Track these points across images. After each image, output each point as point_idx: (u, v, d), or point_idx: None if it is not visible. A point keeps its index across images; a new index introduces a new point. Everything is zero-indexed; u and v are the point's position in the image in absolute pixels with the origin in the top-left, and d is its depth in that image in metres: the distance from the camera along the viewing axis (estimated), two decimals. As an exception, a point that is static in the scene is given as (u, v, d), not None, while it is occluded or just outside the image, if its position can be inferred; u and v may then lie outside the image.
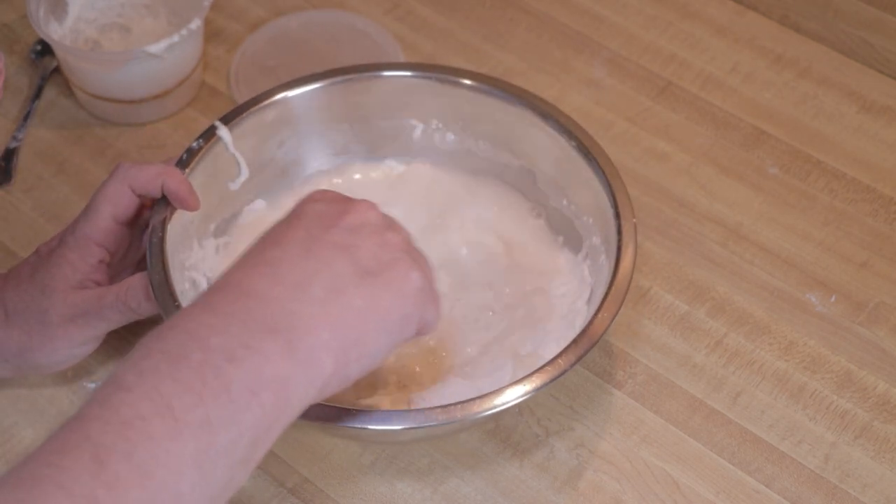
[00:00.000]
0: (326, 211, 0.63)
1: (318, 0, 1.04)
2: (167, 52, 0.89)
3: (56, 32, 0.93)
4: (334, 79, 0.84)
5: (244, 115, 0.81)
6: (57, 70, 0.97)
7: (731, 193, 0.90)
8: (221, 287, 0.58)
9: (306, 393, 0.56)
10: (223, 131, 0.80)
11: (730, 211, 0.89)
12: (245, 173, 0.83)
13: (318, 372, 0.57)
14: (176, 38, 0.89)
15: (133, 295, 0.72)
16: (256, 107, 0.82)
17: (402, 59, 0.97)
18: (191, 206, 0.76)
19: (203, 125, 0.94)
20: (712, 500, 0.75)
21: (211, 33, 1.00)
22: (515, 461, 0.76)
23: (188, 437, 0.51)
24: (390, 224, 0.64)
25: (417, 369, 0.78)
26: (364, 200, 0.64)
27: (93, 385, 0.79)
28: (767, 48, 1.00)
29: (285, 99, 0.83)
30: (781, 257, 0.87)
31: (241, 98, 0.95)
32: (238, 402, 0.53)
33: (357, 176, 0.88)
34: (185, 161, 0.78)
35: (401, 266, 0.61)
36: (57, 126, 0.95)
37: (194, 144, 0.79)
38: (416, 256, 0.63)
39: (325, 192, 0.65)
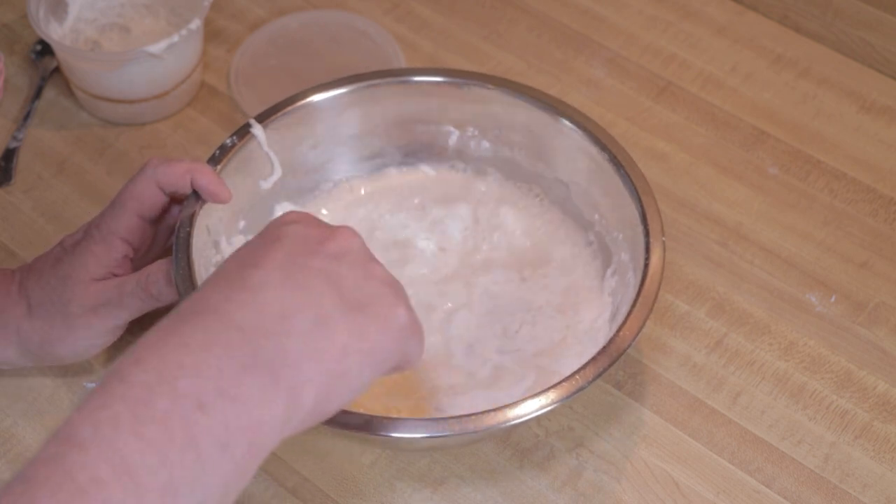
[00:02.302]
0: (307, 234, 0.59)
1: (318, 0, 1.04)
2: (167, 52, 0.89)
3: (56, 32, 0.93)
4: (369, 82, 0.84)
5: (278, 114, 0.81)
6: (57, 70, 0.97)
7: (731, 193, 0.90)
8: (196, 311, 0.54)
9: (280, 432, 0.53)
10: (257, 129, 0.80)
11: (730, 211, 0.89)
12: (278, 172, 0.83)
13: (297, 408, 0.54)
14: (176, 38, 0.89)
15: (153, 281, 0.72)
16: (291, 107, 0.82)
17: (401, 59, 0.97)
18: (222, 198, 0.75)
19: (203, 125, 0.95)
20: (712, 500, 0.75)
21: (211, 33, 1.00)
22: (515, 461, 0.76)
23: (151, 502, 0.47)
24: (371, 255, 0.61)
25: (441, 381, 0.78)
26: (346, 227, 0.61)
27: (93, 386, 0.79)
28: (767, 48, 1.00)
29: (320, 101, 0.83)
30: (781, 257, 0.87)
31: (241, 98, 0.95)
32: (207, 460, 0.49)
33: (389, 180, 0.87)
34: (218, 157, 0.78)
35: (386, 300, 0.59)
36: (57, 126, 0.95)
37: (227, 141, 0.79)
38: (399, 290, 0.61)
39: (301, 213, 0.62)
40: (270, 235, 0.60)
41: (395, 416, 0.70)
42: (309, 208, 0.85)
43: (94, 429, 0.48)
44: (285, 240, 0.59)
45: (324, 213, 0.86)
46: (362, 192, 0.87)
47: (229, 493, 0.51)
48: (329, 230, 0.61)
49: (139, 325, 0.77)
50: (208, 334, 0.52)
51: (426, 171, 0.87)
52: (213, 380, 0.51)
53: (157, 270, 0.73)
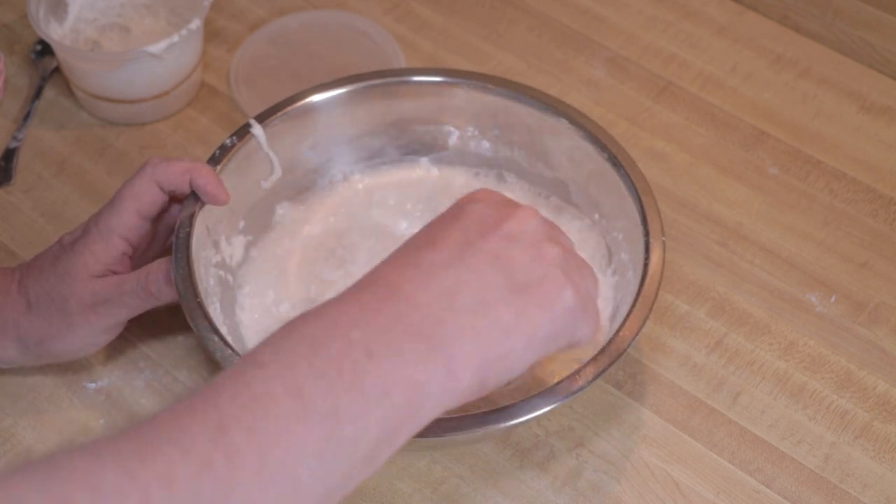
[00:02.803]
0: (487, 214, 0.62)
1: (318, 0, 1.04)
2: (167, 52, 0.89)
3: (56, 32, 0.93)
4: (369, 82, 0.84)
5: (278, 114, 0.81)
6: (57, 70, 0.97)
7: (731, 193, 0.90)
8: (372, 282, 0.58)
9: (439, 403, 0.56)
10: (257, 129, 0.80)
11: (730, 211, 0.89)
12: (278, 172, 0.83)
13: (454, 384, 0.56)
14: (176, 38, 0.89)
15: (153, 280, 0.73)
16: (291, 107, 0.82)
17: (401, 59, 0.97)
18: (220, 200, 0.76)
19: (203, 125, 0.95)
20: (712, 500, 0.75)
21: (211, 33, 1.00)
22: (515, 461, 0.76)
23: (314, 423, 0.51)
24: (550, 234, 0.63)
25: None
26: (528, 207, 0.63)
27: (92, 385, 0.79)
28: (767, 48, 1.00)
29: (320, 101, 0.83)
30: (781, 257, 0.87)
31: (241, 98, 0.95)
32: (370, 397, 0.53)
33: (389, 178, 0.87)
34: (218, 157, 0.78)
35: (553, 283, 0.60)
36: (57, 126, 0.95)
37: (227, 141, 0.79)
38: (571, 271, 0.62)
39: (488, 191, 0.65)
40: (452, 214, 0.63)
41: None
42: (306, 202, 0.85)
43: (274, 353, 0.53)
44: (464, 219, 0.62)
45: (320, 207, 0.85)
46: (360, 188, 0.87)
47: (385, 439, 0.54)
48: (509, 210, 0.63)
49: (138, 324, 0.78)
50: (380, 300, 0.57)
51: (426, 170, 0.87)
52: (380, 335, 0.55)
53: (157, 269, 0.73)
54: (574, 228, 0.83)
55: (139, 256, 0.77)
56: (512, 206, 0.63)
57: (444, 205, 0.85)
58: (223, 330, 0.71)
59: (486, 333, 0.57)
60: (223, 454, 0.49)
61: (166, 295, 0.73)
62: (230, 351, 0.69)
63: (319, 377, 0.52)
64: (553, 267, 0.61)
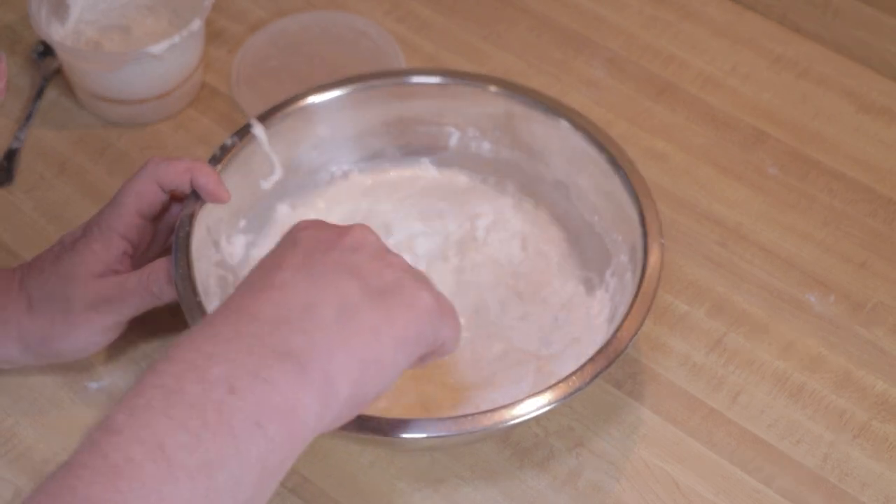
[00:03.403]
0: (322, 236, 0.61)
1: (318, 1, 1.04)
2: (168, 52, 0.89)
3: (57, 33, 0.93)
4: (370, 83, 0.84)
5: (279, 114, 0.81)
6: (59, 71, 0.97)
7: (731, 193, 0.91)
8: (223, 313, 0.56)
9: (319, 420, 0.54)
10: (258, 129, 0.80)
11: (729, 211, 0.89)
12: (278, 172, 0.83)
13: (333, 397, 0.54)
14: (177, 38, 0.89)
15: (155, 279, 0.73)
16: (292, 107, 0.82)
17: (402, 59, 0.97)
18: (220, 199, 0.76)
19: (204, 126, 0.95)
20: (712, 499, 0.75)
21: (212, 34, 1.01)
22: (515, 461, 0.76)
23: (184, 480, 0.48)
24: (386, 247, 0.62)
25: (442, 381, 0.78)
26: (359, 224, 0.62)
27: (94, 385, 0.79)
28: (767, 48, 1.00)
29: (321, 101, 0.83)
30: (781, 257, 0.87)
31: (242, 99, 0.95)
32: (241, 436, 0.50)
33: (389, 178, 0.87)
34: (219, 157, 0.79)
35: (409, 285, 0.59)
36: (58, 126, 0.95)
37: (228, 141, 0.79)
38: (419, 275, 0.61)
39: (313, 221, 0.63)
40: (286, 242, 0.61)
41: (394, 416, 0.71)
42: (307, 202, 0.85)
43: (129, 414, 0.49)
44: (301, 242, 0.60)
45: (321, 206, 0.86)
46: (360, 187, 0.87)
47: (268, 473, 0.51)
48: (342, 228, 0.62)
49: (140, 323, 0.78)
50: (239, 326, 0.54)
51: (426, 170, 0.87)
52: (243, 365, 0.52)
53: (159, 269, 0.73)
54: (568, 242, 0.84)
55: (140, 255, 0.77)
56: (343, 226, 0.62)
57: (444, 205, 0.86)
58: None
59: (356, 339, 0.55)
60: None
61: (168, 294, 0.73)
62: None
63: (179, 428, 0.49)
64: (403, 272, 0.60)
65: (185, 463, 0.48)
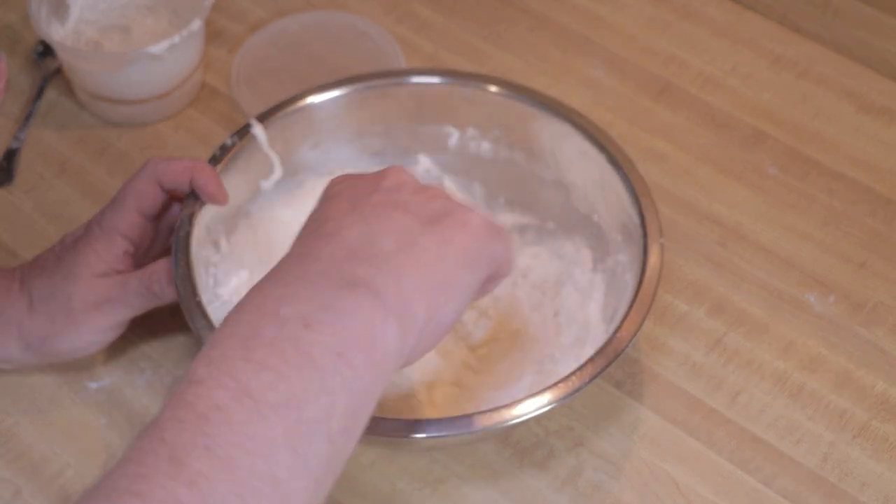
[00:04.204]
0: (359, 183, 0.61)
1: (318, 1, 1.04)
2: (168, 52, 0.90)
3: (57, 33, 0.93)
4: (370, 83, 0.84)
5: (279, 114, 0.81)
6: (59, 71, 0.97)
7: (731, 193, 0.91)
8: (285, 262, 0.56)
9: (402, 345, 0.54)
10: (258, 129, 0.80)
11: (729, 211, 0.90)
12: (278, 172, 0.83)
13: (410, 321, 0.54)
14: (177, 38, 0.89)
15: (157, 280, 0.73)
16: (291, 107, 0.82)
17: (402, 59, 0.97)
18: (219, 200, 0.76)
19: (204, 126, 0.95)
20: (711, 499, 0.75)
21: (212, 34, 1.01)
22: (515, 460, 0.76)
23: (273, 417, 0.48)
24: (425, 182, 0.63)
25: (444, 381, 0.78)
26: (393, 165, 0.63)
27: (94, 384, 0.79)
28: (767, 49, 1.00)
29: (320, 101, 0.83)
30: (780, 257, 0.87)
31: (242, 99, 0.95)
32: (323, 368, 0.50)
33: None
34: (219, 157, 0.79)
35: (457, 210, 0.60)
36: (58, 127, 0.95)
37: (228, 141, 0.79)
38: (463, 203, 0.62)
39: (345, 174, 0.64)
40: (327, 197, 0.62)
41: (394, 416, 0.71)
42: (306, 202, 0.85)
43: (208, 364, 0.50)
44: (342, 193, 0.61)
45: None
46: None
47: (358, 401, 0.52)
48: (377, 173, 0.62)
49: (140, 323, 0.78)
50: (304, 268, 0.55)
51: (426, 171, 0.87)
52: (314, 301, 0.52)
53: (161, 269, 0.73)
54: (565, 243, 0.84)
55: (141, 255, 0.77)
56: (379, 171, 0.63)
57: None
58: None
59: (420, 263, 0.56)
60: (188, 487, 0.46)
61: (169, 295, 0.73)
62: None
63: (261, 369, 0.49)
64: (447, 200, 0.61)
65: (271, 400, 0.48)
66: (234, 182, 0.78)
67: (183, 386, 0.50)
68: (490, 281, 0.62)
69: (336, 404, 0.50)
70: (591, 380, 0.69)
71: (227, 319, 0.53)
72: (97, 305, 0.73)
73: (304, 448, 0.49)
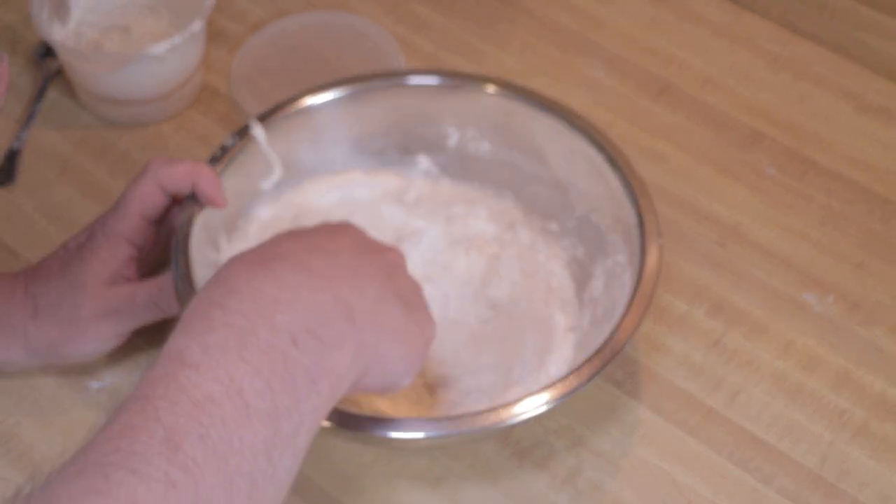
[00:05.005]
0: (365, 238, 0.64)
1: (318, 1, 1.04)
2: (169, 53, 0.90)
3: (59, 34, 0.94)
4: (370, 83, 0.84)
5: (279, 114, 0.82)
6: (60, 71, 0.97)
7: (730, 194, 0.91)
8: (281, 256, 0.57)
9: (343, 386, 0.56)
10: (258, 130, 0.80)
11: (728, 211, 0.90)
12: (278, 172, 0.83)
13: (355, 367, 0.56)
14: (177, 39, 0.89)
15: (164, 297, 0.74)
16: (291, 107, 0.82)
17: (402, 59, 0.97)
18: (217, 205, 0.76)
19: (205, 126, 0.95)
20: (711, 498, 0.75)
21: (212, 34, 1.01)
22: (515, 460, 0.77)
23: (258, 424, 0.50)
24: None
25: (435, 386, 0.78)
26: (395, 248, 0.66)
27: (96, 385, 0.80)
28: (765, 49, 1.01)
29: (320, 101, 0.83)
30: (779, 257, 0.87)
31: (242, 99, 0.95)
32: (300, 390, 0.52)
33: (387, 177, 0.87)
34: (219, 158, 0.79)
35: (426, 315, 0.63)
36: (60, 127, 0.95)
37: (228, 141, 0.79)
38: (432, 317, 0.65)
39: (355, 229, 0.66)
40: (332, 227, 0.63)
41: (394, 415, 0.71)
42: (306, 202, 0.86)
43: (204, 351, 0.50)
44: (349, 233, 0.63)
45: (321, 207, 0.86)
46: (360, 189, 0.87)
47: (315, 428, 0.53)
48: (383, 246, 0.65)
49: (147, 330, 0.78)
50: (296, 275, 0.55)
51: (426, 171, 0.88)
52: (303, 319, 0.54)
53: (169, 286, 0.73)
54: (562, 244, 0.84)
55: (143, 258, 0.77)
56: (382, 245, 0.65)
57: (444, 206, 0.86)
58: None
59: (383, 327, 0.59)
60: (182, 471, 0.47)
61: (176, 310, 0.73)
62: None
63: (254, 373, 0.50)
64: (425, 304, 0.64)
65: (259, 408, 0.50)
66: (234, 182, 0.78)
67: (174, 365, 0.50)
68: (385, 388, 0.62)
69: (302, 426, 0.52)
70: (589, 379, 0.69)
71: (222, 301, 0.53)
72: (105, 315, 0.74)
73: (277, 459, 0.51)
